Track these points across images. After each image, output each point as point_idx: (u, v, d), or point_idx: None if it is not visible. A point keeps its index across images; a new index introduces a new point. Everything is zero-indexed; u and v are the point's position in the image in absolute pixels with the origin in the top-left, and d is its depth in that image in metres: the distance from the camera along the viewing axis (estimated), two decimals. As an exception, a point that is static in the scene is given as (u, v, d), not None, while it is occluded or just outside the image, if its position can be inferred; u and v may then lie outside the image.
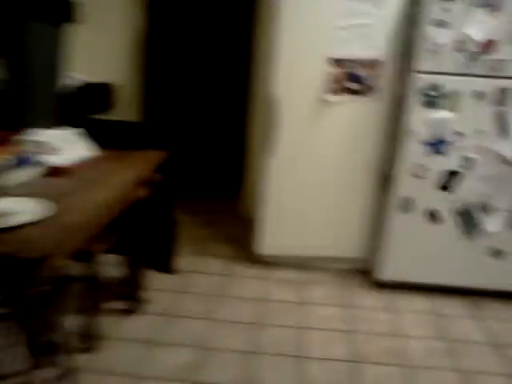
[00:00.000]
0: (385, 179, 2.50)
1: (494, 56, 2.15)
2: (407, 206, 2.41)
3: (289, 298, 2.47)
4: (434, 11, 2.12)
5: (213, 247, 2.91)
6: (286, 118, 2.43)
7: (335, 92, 2.38)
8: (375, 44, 2.33)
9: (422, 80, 2.22)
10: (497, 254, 2.44)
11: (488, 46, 2.14)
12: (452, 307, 2.48)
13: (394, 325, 2.33)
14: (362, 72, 2.35)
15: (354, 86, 2.37)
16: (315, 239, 2.65)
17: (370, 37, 2.31)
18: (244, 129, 3.29)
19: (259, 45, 2.93)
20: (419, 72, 2.22)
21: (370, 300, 2.50)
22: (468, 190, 2.36)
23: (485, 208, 2.37)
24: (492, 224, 2.39)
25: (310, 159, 2.52)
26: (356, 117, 2.45)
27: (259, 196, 2.64)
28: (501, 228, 2.39)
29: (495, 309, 2.49)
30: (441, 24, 2.13)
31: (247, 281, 2.59)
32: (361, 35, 2.30)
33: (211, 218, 3.28)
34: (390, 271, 2.53)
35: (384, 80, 2.38)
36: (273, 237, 2.64)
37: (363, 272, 2.68)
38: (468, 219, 2.40)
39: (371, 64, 2.34)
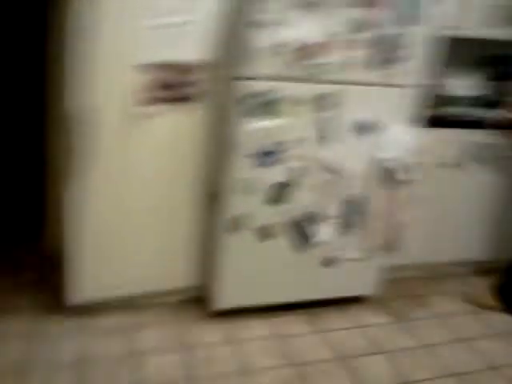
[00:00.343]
0: (213, 197, 2.26)
1: (316, 60, 2.05)
2: (238, 224, 2.20)
3: (116, 351, 2.07)
4: (253, 11, 1.92)
5: (15, 301, 2.33)
6: (96, 136, 2.02)
7: (151, 102, 2.04)
8: (193, 46, 2.04)
9: (245, 86, 2.02)
10: (330, 262, 2.39)
11: (310, 49, 2.02)
12: (296, 325, 2.36)
13: (239, 359, 2.11)
14: (179, 78, 2.06)
15: (172, 94, 2.06)
16: (141, 273, 2.29)
17: (186, 38, 2.01)
18: (43, 153, 2.73)
19: (57, 52, 2.41)
20: (241, 78, 2.01)
21: (209, 334, 2.24)
22: (297, 201, 2.24)
23: (315, 218, 2.29)
24: (323, 233, 2.32)
25: (126, 181, 2.14)
26: (177, 129, 2.14)
27: (67, 231, 2.18)
28: (331, 236, 2.33)
29: (336, 319, 2.44)
30: (261, 25, 1.93)
31: (62, 338, 2.11)
32: (176, 36, 1.98)
33: (10, 263, 2.64)
34: (227, 298, 2.30)
35: (206, 87, 2.12)
36: (90, 278, 2.20)
37: (200, 302, 2.40)
38: (300, 231, 2.29)
39: (189, 69, 2.06)
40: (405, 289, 2.75)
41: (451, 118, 2.67)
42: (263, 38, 1.95)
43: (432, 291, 2.77)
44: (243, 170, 2.12)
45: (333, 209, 2.30)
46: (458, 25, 2.60)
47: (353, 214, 2.34)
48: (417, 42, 2.14)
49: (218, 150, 2.22)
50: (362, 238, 2.39)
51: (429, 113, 2.43)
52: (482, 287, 2.77)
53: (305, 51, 2.02)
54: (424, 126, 2.34)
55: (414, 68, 2.18)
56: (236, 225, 2.20)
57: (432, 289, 2.79)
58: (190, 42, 2.03)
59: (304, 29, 1.99)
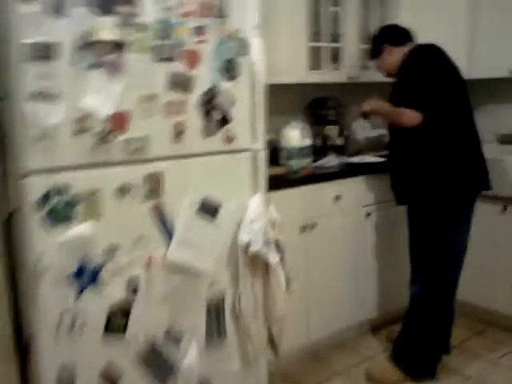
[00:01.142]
0: (21, 349, 1.55)
1: (129, 134, 1.53)
2: (70, 377, 1.52)
3: None
4: (28, 78, 1.34)
5: None
6: None
7: None
8: None
9: (36, 184, 1.40)
10: (206, 386, 1.81)
11: (118, 121, 1.50)
12: None
13: None
14: None
15: None
16: None
17: None
18: None
19: None
20: (28, 173, 1.39)
21: None
22: (148, 322, 1.64)
23: (175, 336, 1.70)
24: (190, 353, 1.74)
25: None
26: None
27: None
28: (198, 355, 1.76)
29: None
30: (45, 97, 1.36)
31: None
32: None
33: None
34: None
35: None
36: None
37: None
38: (159, 360, 1.68)
39: None
40: (295, 382, 2.28)
41: (293, 176, 2.36)
42: (55, 113, 1.38)
43: (326, 375, 2.34)
44: (60, 300, 1.47)
45: (196, 319, 1.75)
46: (282, 71, 2.36)
47: (222, 319, 1.81)
48: (246, 95, 1.76)
49: (19, 277, 1.54)
50: (239, 343, 1.87)
51: (271, 173, 2.04)
52: (377, 357, 2.44)
53: (116, 124, 1.50)
54: (271, 190, 1.95)
55: (250, 125, 1.79)
56: (66, 379, 1.51)
57: (325, 372, 2.36)
58: None
59: (108, 94, 1.47)
